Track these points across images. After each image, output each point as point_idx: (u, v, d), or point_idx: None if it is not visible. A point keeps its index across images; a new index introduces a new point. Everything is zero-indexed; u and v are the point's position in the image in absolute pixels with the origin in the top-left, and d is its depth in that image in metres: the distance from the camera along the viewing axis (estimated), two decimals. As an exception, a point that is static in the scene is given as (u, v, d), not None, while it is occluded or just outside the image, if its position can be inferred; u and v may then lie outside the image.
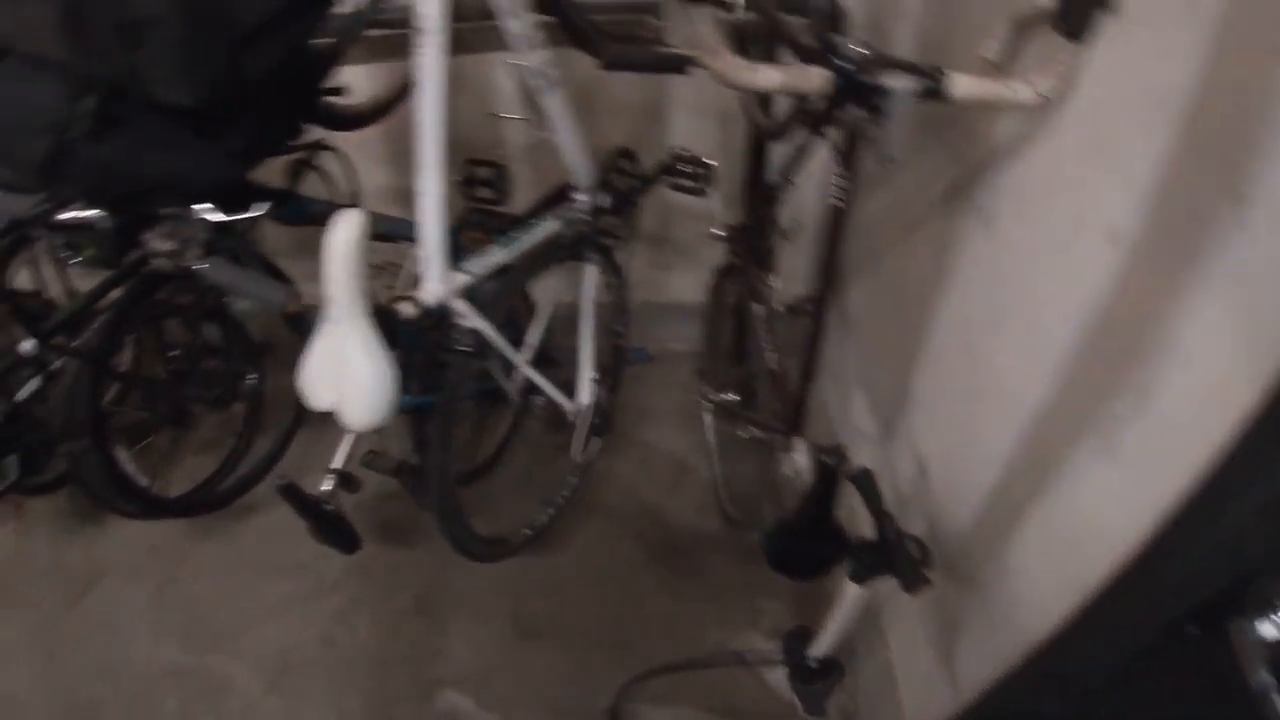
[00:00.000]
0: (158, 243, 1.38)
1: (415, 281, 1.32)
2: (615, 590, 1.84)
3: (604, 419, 1.90)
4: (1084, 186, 0.85)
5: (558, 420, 1.84)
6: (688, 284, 2.31)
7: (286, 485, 1.46)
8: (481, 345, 1.40)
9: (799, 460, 1.41)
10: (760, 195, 1.58)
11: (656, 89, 1.97)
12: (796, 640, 1.62)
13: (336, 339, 1.16)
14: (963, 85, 0.89)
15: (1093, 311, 0.82)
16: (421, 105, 1.18)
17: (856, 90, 0.88)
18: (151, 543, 2.00)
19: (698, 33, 0.87)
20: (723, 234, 1.68)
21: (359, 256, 1.10)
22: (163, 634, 1.83)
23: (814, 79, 0.89)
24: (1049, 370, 0.90)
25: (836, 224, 1.10)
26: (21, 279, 1.91)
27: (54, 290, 2.01)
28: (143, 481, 1.86)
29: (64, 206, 1.47)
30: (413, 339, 1.30)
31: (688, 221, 2.23)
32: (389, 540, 1.97)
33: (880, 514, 1.08)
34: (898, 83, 0.87)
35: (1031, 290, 0.97)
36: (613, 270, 1.86)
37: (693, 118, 2.00)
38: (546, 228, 1.56)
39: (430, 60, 1.15)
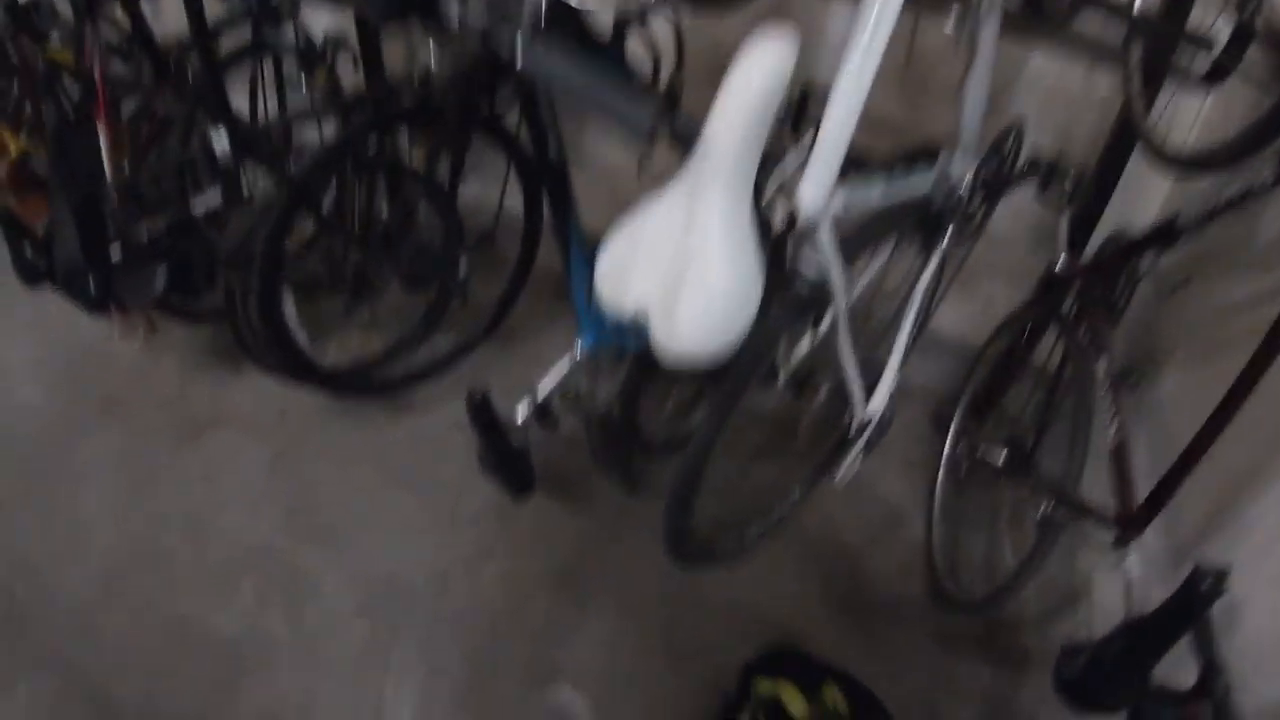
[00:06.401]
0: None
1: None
2: (784, 633, 1.54)
3: (880, 436, 1.51)
4: None
5: (829, 425, 1.48)
6: (951, 316, 1.89)
7: (481, 398, 1.23)
8: (818, 292, 1.05)
9: (1131, 568, 1.16)
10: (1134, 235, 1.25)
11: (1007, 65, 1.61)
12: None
13: (689, 213, 0.79)
14: None
15: None
16: None
17: None
18: (283, 407, 1.84)
19: None
20: (1066, 268, 1.34)
21: (773, 104, 0.75)
22: (264, 506, 1.67)
23: None
24: None
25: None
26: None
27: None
28: (301, 338, 1.67)
29: None
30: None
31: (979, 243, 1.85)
32: (549, 493, 1.70)
33: (1214, 666, 0.93)
34: None
35: None
36: (952, 265, 1.50)
37: (1036, 100, 1.63)
38: (918, 183, 1.24)
39: None
